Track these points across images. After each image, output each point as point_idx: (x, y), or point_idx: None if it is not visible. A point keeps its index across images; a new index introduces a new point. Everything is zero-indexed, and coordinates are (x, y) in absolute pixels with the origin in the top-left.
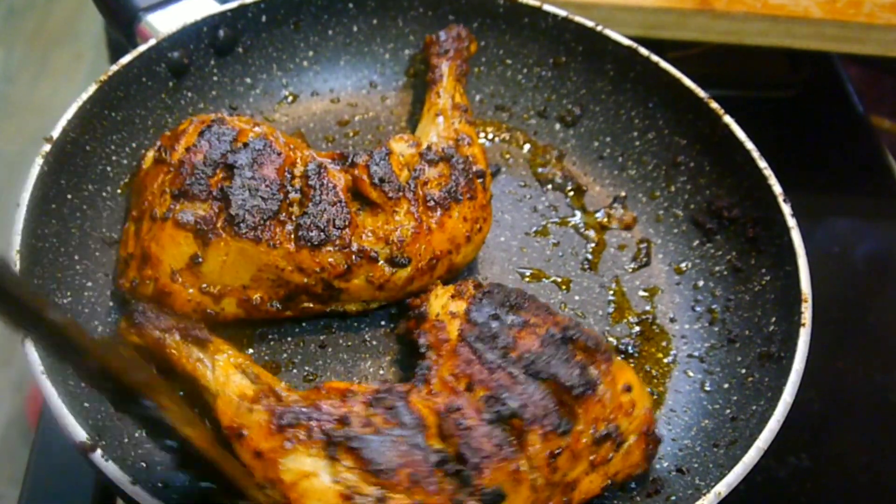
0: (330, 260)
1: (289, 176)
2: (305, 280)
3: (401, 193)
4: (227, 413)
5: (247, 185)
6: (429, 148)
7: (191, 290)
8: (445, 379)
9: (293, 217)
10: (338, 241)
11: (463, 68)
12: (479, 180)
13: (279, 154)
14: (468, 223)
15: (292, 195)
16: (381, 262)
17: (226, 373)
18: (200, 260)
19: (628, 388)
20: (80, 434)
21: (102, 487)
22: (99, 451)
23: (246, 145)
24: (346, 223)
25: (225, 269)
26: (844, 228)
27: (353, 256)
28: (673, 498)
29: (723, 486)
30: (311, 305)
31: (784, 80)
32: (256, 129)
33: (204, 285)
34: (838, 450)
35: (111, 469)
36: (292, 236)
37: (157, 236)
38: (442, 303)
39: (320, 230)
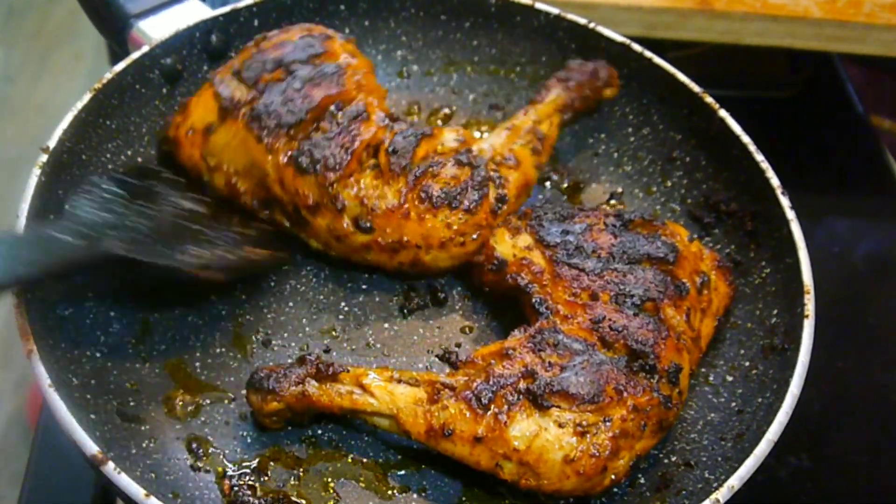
0: (305, 190)
1: (334, 108)
2: (281, 195)
3: (404, 171)
4: (418, 422)
5: (287, 94)
6: (469, 150)
7: (195, 152)
8: (568, 300)
9: (301, 138)
10: (320, 178)
11: (574, 104)
12: (496, 204)
13: (340, 87)
14: (450, 231)
15: (323, 123)
16: (346, 217)
17: (386, 390)
18: (212, 131)
19: (690, 238)
20: (91, 447)
21: (102, 487)
22: (111, 464)
23: (318, 64)
24: (340, 167)
25: (227, 149)
26: (844, 228)
27: (326, 198)
28: (683, 492)
29: (735, 480)
30: (283, 222)
31: (784, 80)
32: (347, 59)
33: (205, 153)
34: (838, 450)
35: (124, 481)
36: (290, 153)
37: (199, 94)
38: (508, 244)
39: (312, 160)
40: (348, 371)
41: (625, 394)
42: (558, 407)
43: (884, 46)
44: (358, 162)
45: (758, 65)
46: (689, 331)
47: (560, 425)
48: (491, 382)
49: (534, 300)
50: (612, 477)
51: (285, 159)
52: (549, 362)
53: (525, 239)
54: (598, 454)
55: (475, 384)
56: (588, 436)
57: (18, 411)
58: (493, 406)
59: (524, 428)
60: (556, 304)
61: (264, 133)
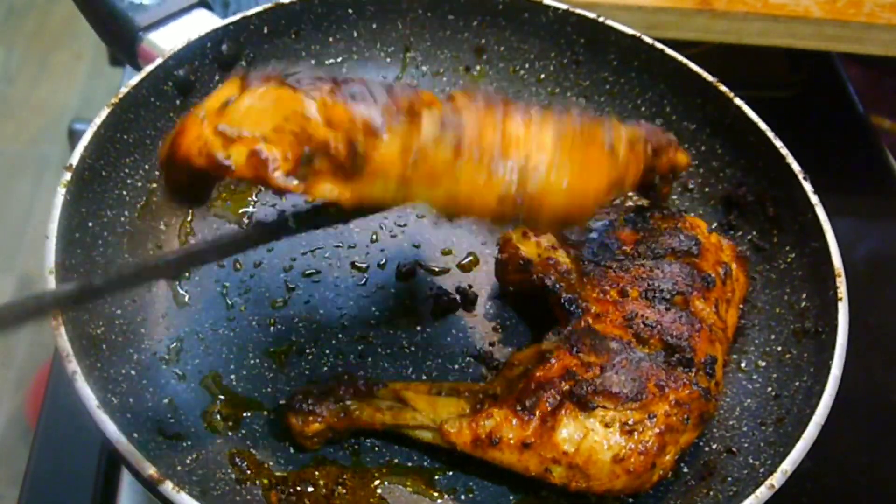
0: (363, 114)
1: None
2: (329, 137)
3: None
4: (463, 432)
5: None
6: None
7: (206, 130)
8: (598, 298)
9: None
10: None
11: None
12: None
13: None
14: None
15: None
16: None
17: (428, 403)
18: (231, 102)
19: (709, 230)
20: (147, 468)
21: (103, 488)
22: (169, 483)
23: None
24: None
25: (251, 112)
26: (844, 228)
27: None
28: (729, 479)
29: (788, 464)
30: (327, 182)
31: (784, 80)
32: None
33: (222, 126)
34: (838, 450)
35: (184, 500)
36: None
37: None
38: (532, 243)
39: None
40: (386, 386)
41: (666, 389)
42: (603, 407)
43: (884, 46)
44: None
45: (758, 65)
46: (719, 322)
47: (606, 425)
48: (534, 387)
49: (563, 300)
50: (660, 473)
51: (330, 98)
52: (588, 363)
53: (548, 238)
54: (646, 451)
55: (518, 391)
56: (635, 434)
57: (18, 411)
58: (538, 411)
59: (571, 431)
60: (585, 302)
61: (301, 84)
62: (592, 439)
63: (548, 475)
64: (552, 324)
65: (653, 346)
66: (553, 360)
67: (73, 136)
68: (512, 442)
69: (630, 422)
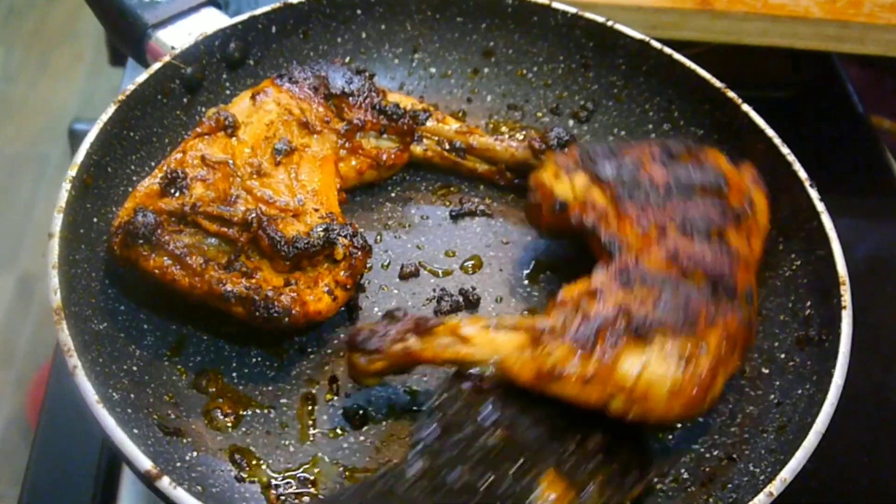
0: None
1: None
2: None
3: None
4: (525, 366)
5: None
6: None
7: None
8: (639, 236)
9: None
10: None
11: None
12: None
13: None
14: None
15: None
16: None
17: (487, 338)
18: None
19: (727, 161)
20: (145, 463)
21: (103, 487)
22: (166, 479)
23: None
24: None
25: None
26: (844, 228)
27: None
28: (729, 486)
29: (787, 472)
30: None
31: (784, 80)
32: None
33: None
34: (838, 450)
35: (181, 496)
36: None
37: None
38: (566, 184)
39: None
40: (444, 324)
41: (716, 320)
42: (657, 341)
43: (884, 46)
44: None
45: (758, 65)
46: (751, 254)
47: (664, 357)
48: (592, 322)
49: (604, 240)
50: (710, 401)
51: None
52: (640, 298)
53: (581, 178)
54: (700, 383)
55: (576, 326)
56: (690, 365)
57: (18, 411)
58: (598, 346)
59: (631, 364)
60: (627, 239)
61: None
62: (651, 372)
63: (607, 405)
64: (589, 263)
65: (697, 279)
66: (605, 296)
67: (74, 136)
68: (574, 376)
69: (685, 353)
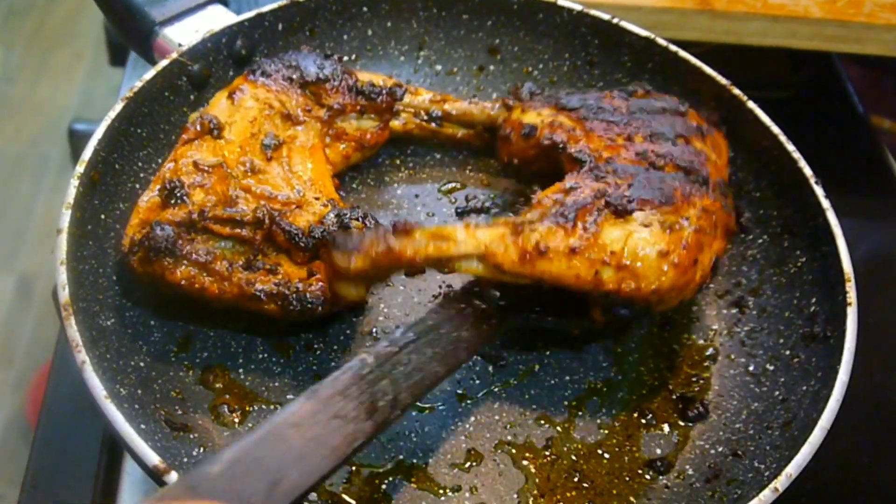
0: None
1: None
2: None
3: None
4: (509, 250)
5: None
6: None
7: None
8: (608, 146)
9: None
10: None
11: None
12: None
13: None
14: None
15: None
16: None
17: (469, 233)
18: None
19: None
20: (153, 458)
21: (103, 487)
22: (174, 474)
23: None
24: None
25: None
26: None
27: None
28: (734, 482)
29: (793, 468)
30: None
31: (784, 80)
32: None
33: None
34: (838, 450)
35: None
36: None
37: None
38: (534, 114)
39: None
40: (423, 228)
41: (692, 197)
42: (640, 213)
43: (884, 46)
44: None
45: (758, 65)
46: (720, 159)
47: (646, 225)
48: (570, 202)
49: (574, 151)
50: (701, 274)
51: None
52: (615, 184)
53: (547, 109)
54: (687, 245)
55: (556, 210)
56: (674, 231)
57: (18, 411)
58: (579, 221)
59: (616, 233)
60: (596, 149)
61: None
62: (637, 237)
63: (598, 279)
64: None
65: (669, 169)
66: (580, 188)
67: (74, 136)
68: (560, 248)
69: (667, 222)
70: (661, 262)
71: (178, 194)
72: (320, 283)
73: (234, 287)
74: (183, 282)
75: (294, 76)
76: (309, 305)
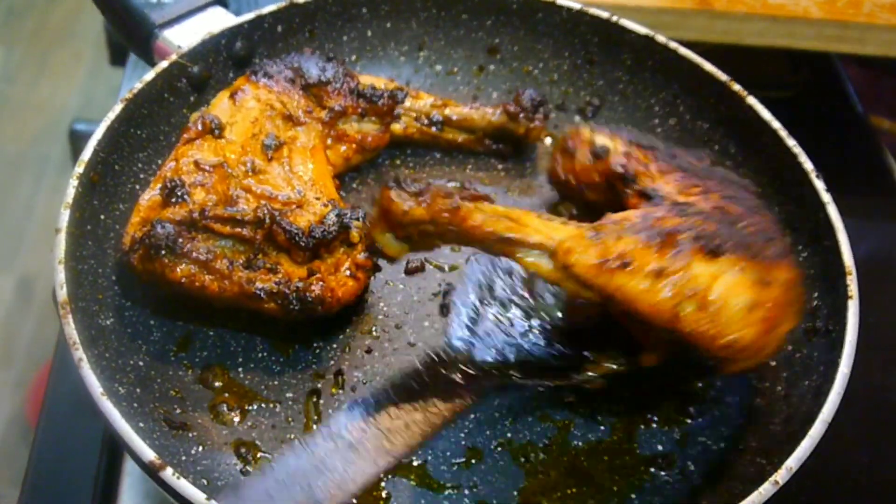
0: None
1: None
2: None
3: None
4: (588, 252)
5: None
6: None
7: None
8: (684, 191)
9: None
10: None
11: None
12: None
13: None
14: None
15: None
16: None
17: (543, 222)
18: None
19: None
20: (149, 454)
21: (103, 488)
22: (169, 470)
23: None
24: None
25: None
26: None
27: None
28: (735, 477)
29: (793, 461)
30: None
31: (784, 80)
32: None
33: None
34: (838, 450)
35: (183, 486)
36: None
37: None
38: (607, 137)
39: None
40: (495, 204)
41: (781, 262)
42: (731, 259)
43: (884, 46)
44: None
45: (758, 65)
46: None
47: (741, 273)
48: (657, 227)
49: (648, 188)
50: (777, 344)
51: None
52: (699, 223)
53: (620, 140)
54: (777, 304)
55: (640, 226)
56: (766, 287)
57: (18, 411)
58: (668, 246)
59: (707, 268)
60: (671, 194)
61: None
62: (729, 279)
63: (675, 314)
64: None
65: (750, 230)
66: (661, 215)
67: (74, 136)
68: (646, 266)
69: (759, 277)
70: (749, 315)
71: (179, 193)
72: (321, 283)
73: (234, 285)
74: (183, 280)
75: (296, 78)
76: (309, 304)
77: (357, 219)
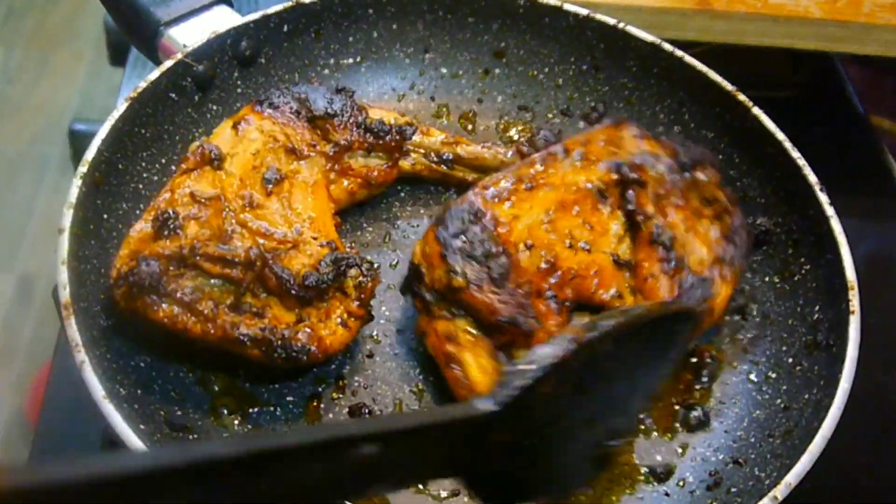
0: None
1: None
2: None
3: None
4: None
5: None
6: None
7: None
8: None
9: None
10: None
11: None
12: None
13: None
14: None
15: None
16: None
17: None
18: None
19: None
20: None
21: None
22: None
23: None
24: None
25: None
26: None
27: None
28: (734, 490)
29: (792, 477)
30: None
31: (784, 80)
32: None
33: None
34: (838, 450)
35: None
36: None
37: None
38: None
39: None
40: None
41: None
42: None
43: (884, 46)
44: None
45: (758, 65)
46: None
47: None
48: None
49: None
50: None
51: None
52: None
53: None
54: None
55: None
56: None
57: (18, 411)
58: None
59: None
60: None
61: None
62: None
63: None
64: None
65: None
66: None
67: (74, 136)
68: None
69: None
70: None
71: (171, 226)
72: (308, 331)
73: (218, 329)
74: (165, 320)
75: (302, 109)
76: (293, 354)
77: (353, 266)
